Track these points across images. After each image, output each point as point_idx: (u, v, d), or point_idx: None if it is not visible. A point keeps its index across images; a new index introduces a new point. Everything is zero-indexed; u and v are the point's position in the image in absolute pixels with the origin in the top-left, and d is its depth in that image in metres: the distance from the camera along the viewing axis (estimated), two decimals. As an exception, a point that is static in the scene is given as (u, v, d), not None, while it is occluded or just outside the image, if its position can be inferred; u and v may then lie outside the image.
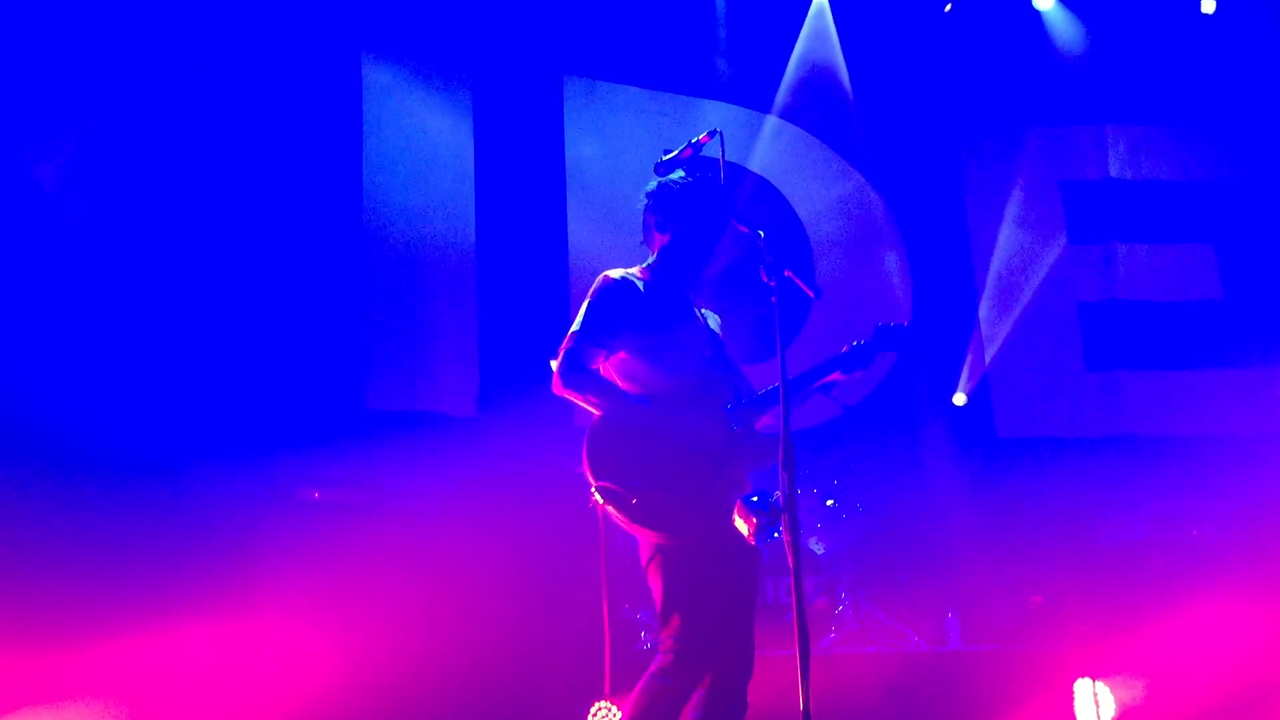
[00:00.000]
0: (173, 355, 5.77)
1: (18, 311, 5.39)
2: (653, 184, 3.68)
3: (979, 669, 6.04)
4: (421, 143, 7.06)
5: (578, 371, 3.46)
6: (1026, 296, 8.21)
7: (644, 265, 3.71)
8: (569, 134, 7.55)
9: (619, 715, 5.32)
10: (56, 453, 5.30)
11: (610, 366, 3.55)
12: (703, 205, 3.59)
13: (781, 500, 3.02)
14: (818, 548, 6.70)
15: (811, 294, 3.21)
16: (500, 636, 5.49)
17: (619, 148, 7.57)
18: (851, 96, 8.19)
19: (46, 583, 4.98)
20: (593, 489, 3.35)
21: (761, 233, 3.23)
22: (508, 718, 5.04)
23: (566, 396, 3.50)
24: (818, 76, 8.11)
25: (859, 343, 3.69)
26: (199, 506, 5.46)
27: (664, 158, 3.59)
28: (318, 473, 5.86)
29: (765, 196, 7.91)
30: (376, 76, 6.94)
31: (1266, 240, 8.07)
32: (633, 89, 7.77)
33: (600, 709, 5.33)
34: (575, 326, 3.52)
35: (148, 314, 5.75)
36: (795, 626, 2.88)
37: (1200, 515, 6.78)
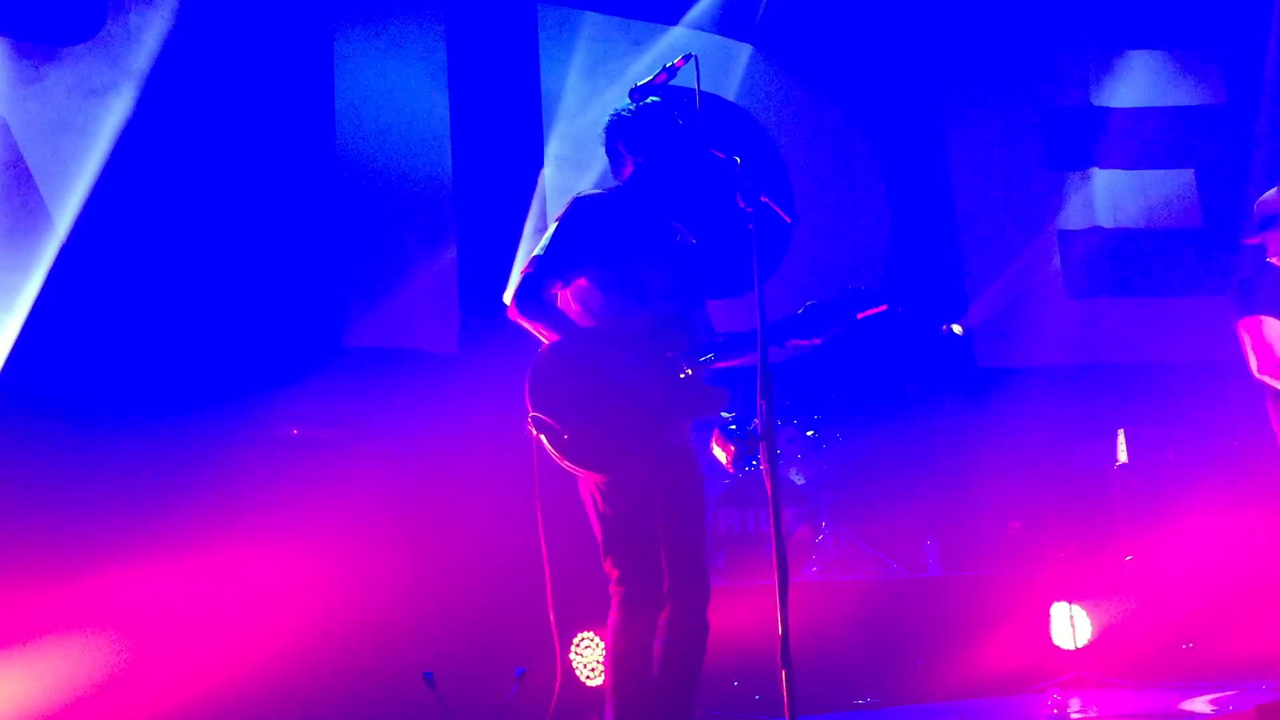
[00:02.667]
0: (149, 295, 5.71)
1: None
2: (613, 110, 3.64)
3: (957, 594, 6.12)
4: (395, 75, 6.93)
5: (533, 300, 3.44)
6: (1007, 224, 8.19)
7: (618, 184, 3.68)
8: (544, 63, 7.43)
9: (603, 644, 5.37)
10: (32, 394, 5.27)
11: (569, 293, 3.53)
12: (669, 126, 3.56)
13: (760, 429, 3.01)
14: (798, 478, 6.74)
15: (788, 219, 3.17)
16: (482, 570, 5.51)
17: (594, 76, 7.47)
18: (828, 23, 8.09)
19: (27, 522, 4.97)
20: (529, 418, 3.33)
21: (738, 158, 3.19)
22: (491, 650, 5.07)
23: (519, 321, 3.49)
24: (795, 4, 8.00)
25: (813, 303, 3.56)
26: (178, 444, 5.45)
27: (639, 83, 3.53)
28: (296, 410, 5.83)
29: (742, 125, 7.83)
30: (349, 7, 6.80)
31: (1247, 166, 8.05)
32: (607, 17, 7.64)
33: (584, 639, 5.37)
34: (539, 250, 3.49)
35: (123, 254, 5.67)
36: (774, 555, 2.88)
37: (1176, 440, 6.83)
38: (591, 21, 7.61)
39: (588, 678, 5.34)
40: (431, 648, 4.88)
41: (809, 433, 6.80)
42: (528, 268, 3.47)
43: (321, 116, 6.59)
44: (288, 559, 5.11)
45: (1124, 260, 8.14)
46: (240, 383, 5.75)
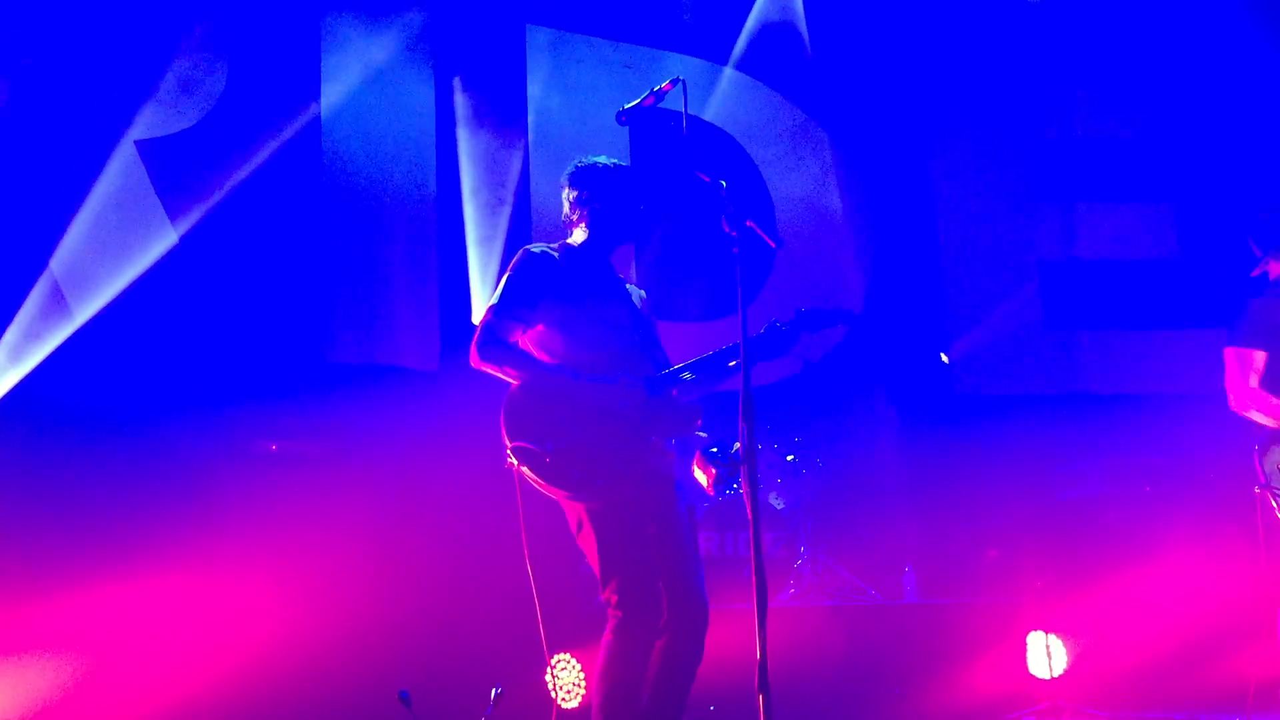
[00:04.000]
0: (129, 309, 5.68)
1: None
2: (572, 165, 3.80)
3: (934, 622, 6.12)
4: (381, 93, 6.94)
5: (495, 344, 3.51)
6: (987, 255, 8.25)
7: (564, 242, 3.79)
8: (531, 84, 7.46)
9: (579, 666, 5.35)
10: (12, 408, 5.23)
11: (529, 339, 3.61)
12: (621, 187, 3.72)
13: (741, 452, 3.01)
14: (777, 503, 6.74)
15: (773, 244, 3.20)
16: (461, 589, 5.49)
17: (581, 98, 7.50)
18: (812, 51, 8.15)
19: (4, 536, 4.93)
20: (508, 450, 3.38)
21: (724, 182, 3.21)
22: (469, 670, 5.04)
23: (484, 369, 3.54)
24: (779, 29, 8.06)
25: (778, 324, 3.66)
26: (159, 457, 5.42)
27: (626, 106, 3.55)
28: (277, 425, 5.81)
29: (727, 149, 7.87)
30: (335, 23, 6.81)
31: (1222, 200, 8.13)
32: (596, 39, 7.68)
33: (561, 661, 5.35)
34: (494, 300, 3.58)
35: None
36: (753, 580, 2.89)
37: (1154, 471, 6.86)
38: (579, 42, 7.64)
39: (563, 700, 5.31)
40: (408, 666, 4.85)
41: (789, 457, 6.82)
42: (486, 316, 3.56)
43: (307, 133, 6.59)
44: (266, 574, 5.09)
45: (1101, 291, 8.20)
46: (222, 397, 5.73)
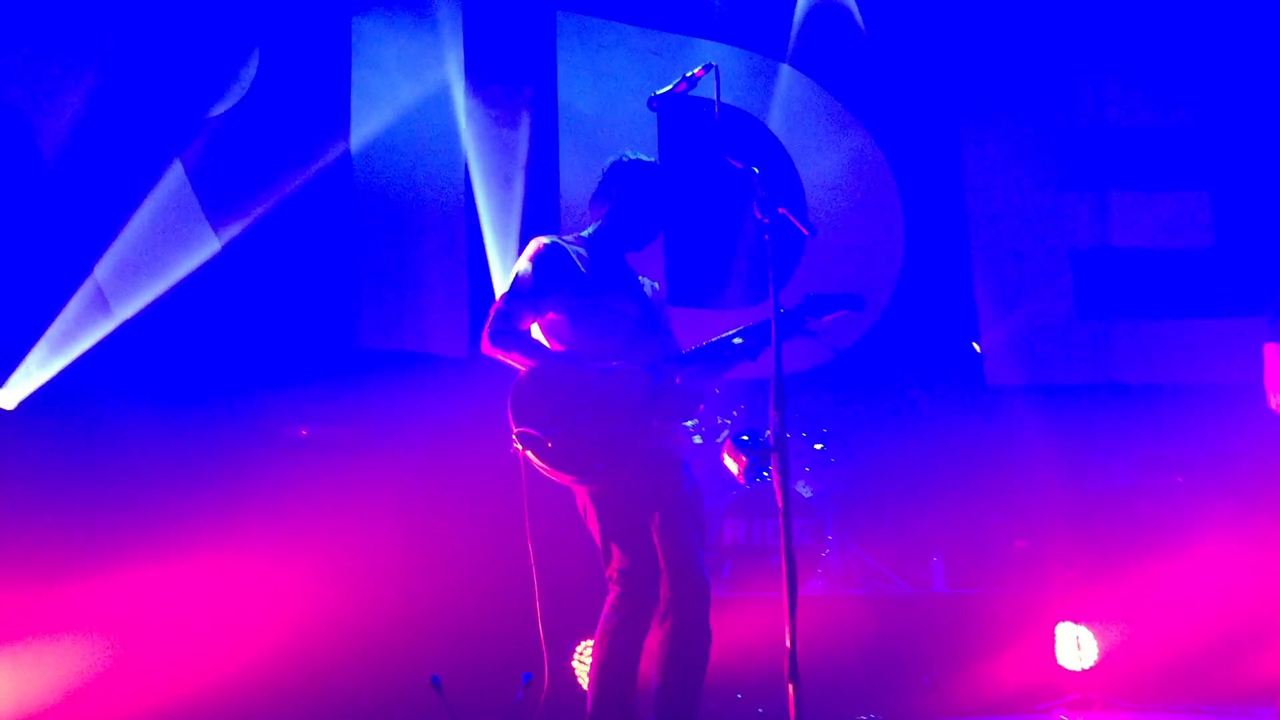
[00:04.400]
0: (168, 298, 5.73)
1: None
2: (611, 159, 3.84)
3: (963, 612, 6.08)
4: (411, 80, 6.95)
5: (504, 332, 3.57)
6: (1019, 243, 8.18)
7: (582, 233, 3.84)
8: (561, 71, 7.45)
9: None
10: (49, 398, 5.28)
11: (539, 327, 3.65)
12: (642, 184, 3.76)
13: (771, 440, 3.00)
14: (805, 491, 6.72)
15: (806, 231, 3.18)
16: (489, 574, 5.50)
17: (612, 85, 7.48)
18: (846, 38, 8.10)
19: (35, 519, 4.98)
20: (514, 435, 3.43)
21: (756, 169, 3.19)
22: (494, 656, 5.05)
23: (493, 355, 3.60)
24: (817, 19, 8.02)
25: (782, 309, 3.56)
26: (191, 443, 5.46)
27: (658, 92, 3.54)
28: (308, 411, 5.84)
29: (758, 135, 7.83)
30: (366, 11, 6.83)
31: (1259, 189, 8.04)
32: (626, 26, 7.66)
33: (588, 647, 5.35)
34: (505, 288, 3.63)
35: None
36: (783, 567, 2.88)
37: (1186, 463, 6.80)
38: (609, 29, 7.62)
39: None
40: (438, 652, 4.87)
41: (817, 446, 6.79)
42: (499, 303, 3.62)
43: (337, 124, 6.61)
44: (295, 559, 5.12)
45: (1134, 280, 8.12)
46: (253, 382, 5.76)
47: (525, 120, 7.24)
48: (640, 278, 3.88)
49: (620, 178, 3.79)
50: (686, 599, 3.51)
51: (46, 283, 5.31)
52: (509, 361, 3.58)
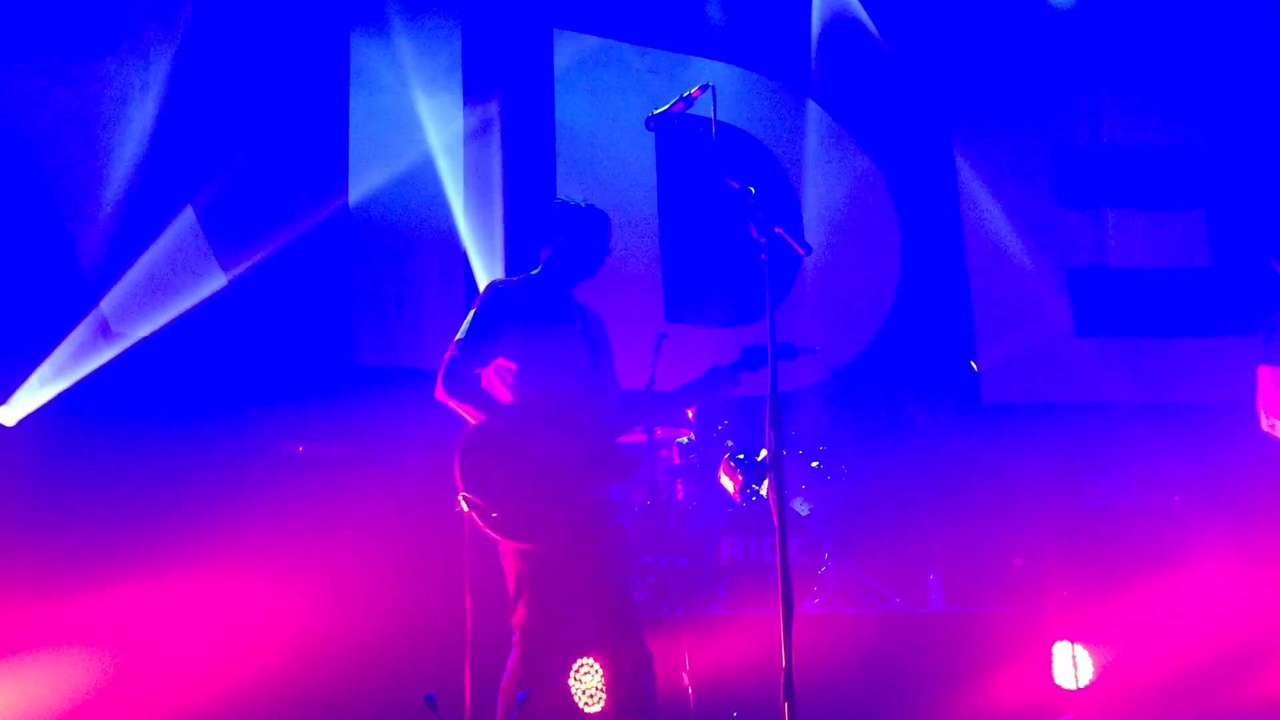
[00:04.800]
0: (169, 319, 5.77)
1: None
2: (552, 203, 4.09)
3: (960, 630, 6.08)
4: (409, 97, 6.98)
5: (458, 380, 3.72)
6: (1016, 261, 8.21)
7: (531, 273, 4.03)
8: (559, 89, 7.50)
9: (601, 671, 5.35)
10: (48, 415, 5.30)
11: (490, 370, 3.82)
12: (581, 226, 3.97)
13: (767, 459, 3.02)
14: (802, 509, 6.71)
15: (802, 251, 3.20)
16: (483, 593, 5.49)
17: (609, 104, 7.52)
18: (844, 58, 8.15)
19: (31, 533, 4.98)
20: (460, 496, 3.62)
21: (753, 189, 3.21)
22: (491, 673, 5.04)
23: (446, 403, 3.75)
24: (820, 39, 8.08)
25: (719, 366, 4.00)
26: (189, 460, 5.47)
27: (655, 111, 3.56)
28: (305, 427, 5.85)
29: (755, 155, 7.87)
30: (364, 29, 6.86)
31: (1256, 209, 8.07)
32: (623, 44, 7.70)
33: (583, 665, 5.35)
34: (460, 335, 3.79)
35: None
36: (779, 586, 2.88)
37: (1183, 481, 6.81)
38: (607, 48, 7.67)
39: (585, 704, 5.31)
40: (433, 669, 4.86)
41: (813, 464, 6.79)
42: (452, 350, 3.77)
43: (335, 141, 6.65)
44: (292, 574, 5.11)
45: (1132, 299, 8.15)
46: (250, 399, 5.77)
47: (523, 136, 7.28)
48: (586, 312, 4.08)
49: (561, 220, 4.00)
50: (623, 646, 3.72)
51: (55, 310, 5.41)
52: (460, 411, 3.74)
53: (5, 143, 5.46)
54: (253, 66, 6.22)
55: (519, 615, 3.76)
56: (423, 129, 6.99)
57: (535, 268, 4.05)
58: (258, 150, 6.15)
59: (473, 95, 7.16)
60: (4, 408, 5.22)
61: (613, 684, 3.77)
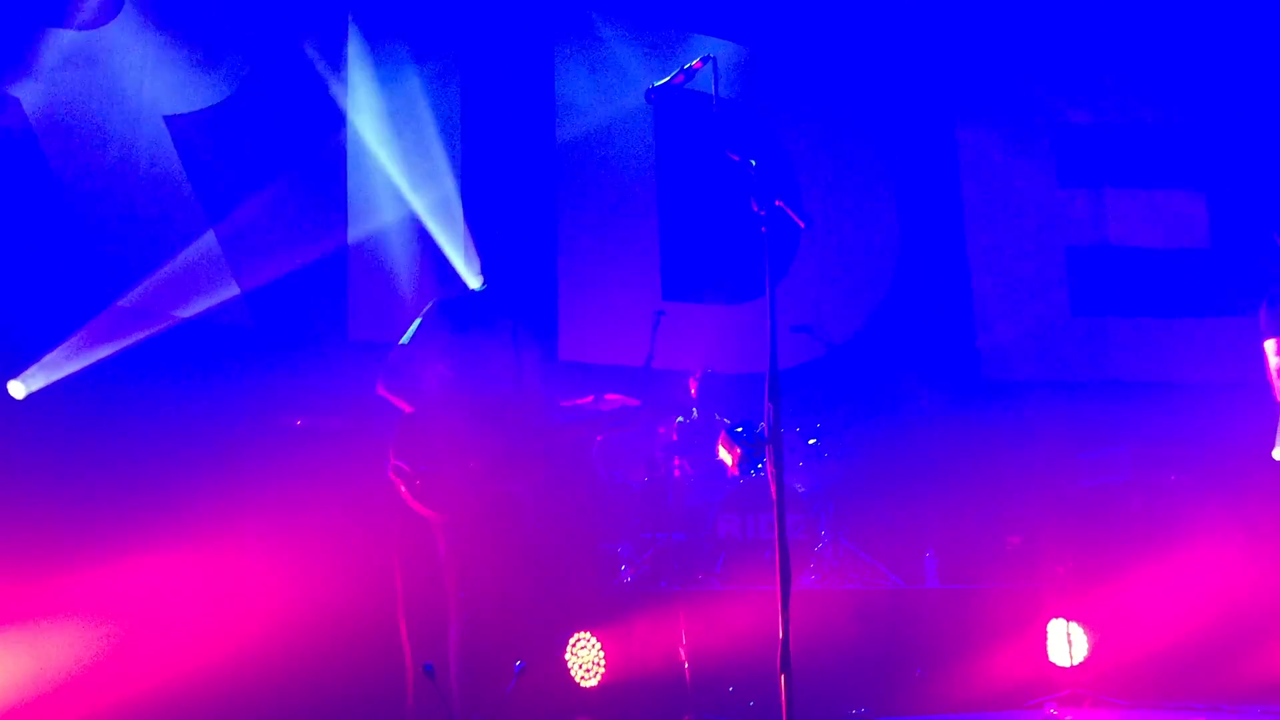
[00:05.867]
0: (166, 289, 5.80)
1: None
2: None
3: (955, 607, 6.10)
4: (407, 77, 6.98)
5: (397, 378, 4.16)
6: (1015, 239, 8.20)
7: (469, 289, 4.45)
8: (558, 66, 7.48)
9: (599, 645, 5.37)
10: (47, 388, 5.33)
11: (430, 374, 4.19)
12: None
13: (766, 433, 3.01)
14: (799, 486, 6.72)
15: (802, 223, 3.18)
16: (481, 567, 5.50)
17: (608, 79, 7.51)
18: (842, 33, 8.12)
19: (30, 509, 4.99)
20: (390, 466, 4.04)
21: (753, 161, 3.20)
22: (490, 647, 5.05)
23: (385, 396, 4.16)
24: (811, 14, 8.04)
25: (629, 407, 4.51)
26: (186, 433, 5.48)
27: (655, 84, 3.54)
28: (304, 401, 5.85)
29: (756, 130, 7.84)
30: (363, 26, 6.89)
31: (1255, 190, 8.06)
32: (623, 22, 7.68)
33: (579, 639, 5.37)
34: (404, 339, 4.23)
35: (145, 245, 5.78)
36: (777, 559, 2.88)
37: (1179, 460, 6.81)
38: (607, 25, 7.64)
39: (582, 678, 5.34)
40: (431, 640, 4.88)
41: (810, 441, 6.79)
42: (394, 353, 4.22)
43: (331, 115, 6.64)
44: (289, 548, 5.12)
45: (1130, 279, 8.15)
46: (247, 372, 5.78)
47: (521, 115, 7.27)
48: (520, 327, 4.39)
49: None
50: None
51: (78, 303, 5.59)
52: (397, 404, 4.15)
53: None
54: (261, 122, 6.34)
55: (451, 594, 4.10)
56: (419, 106, 6.98)
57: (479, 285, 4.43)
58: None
59: (470, 73, 7.16)
60: (15, 382, 5.28)
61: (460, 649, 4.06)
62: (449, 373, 4.20)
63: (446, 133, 7.00)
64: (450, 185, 6.91)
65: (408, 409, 4.14)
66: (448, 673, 4.05)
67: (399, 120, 6.84)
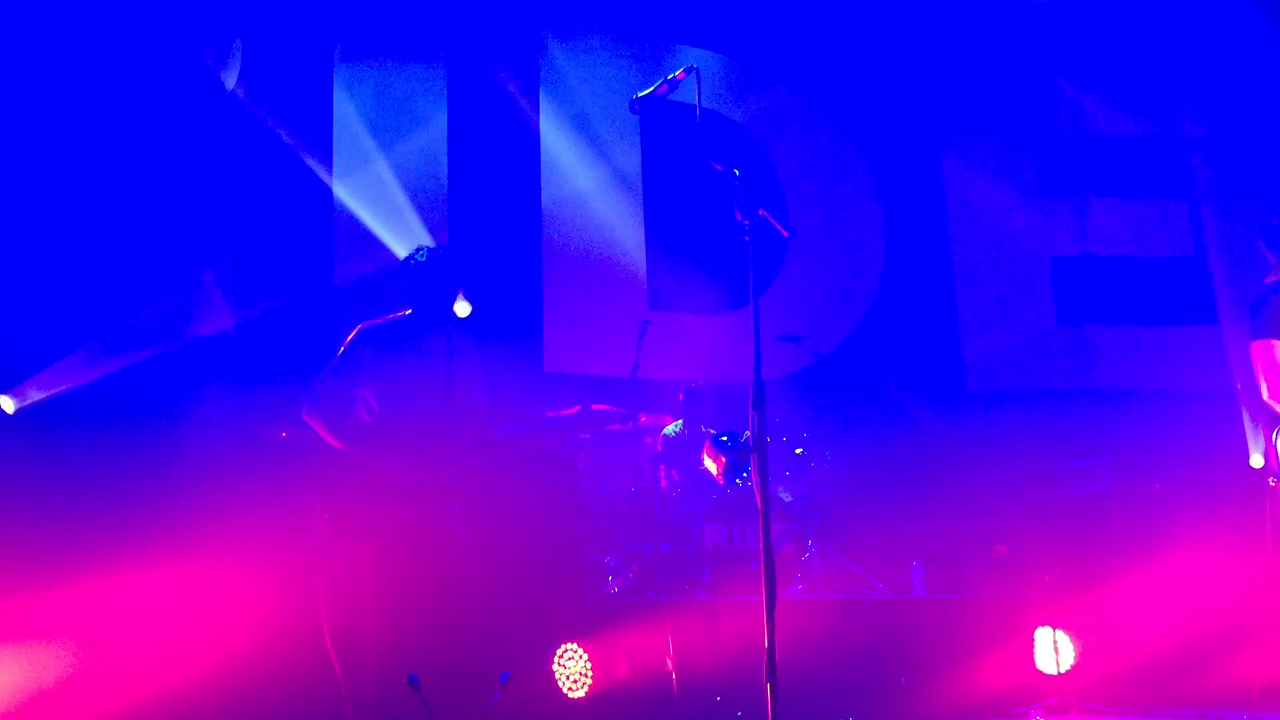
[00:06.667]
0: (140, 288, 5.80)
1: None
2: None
3: (942, 616, 6.10)
4: (395, 72, 7.02)
5: (321, 404, 4.23)
6: (1000, 249, 8.24)
7: (403, 313, 4.45)
8: (544, 76, 7.50)
9: (586, 656, 5.36)
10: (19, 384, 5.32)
11: (354, 397, 4.25)
12: (435, 272, 4.41)
13: (751, 441, 3.02)
14: (785, 496, 6.73)
15: (785, 233, 3.19)
16: (470, 579, 5.49)
17: (593, 90, 7.54)
18: (827, 45, 8.15)
19: (20, 523, 4.98)
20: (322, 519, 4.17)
21: (737, 171, 3.21)
22: (475, 659, 5.04)
23: (310, 423, 4.24)
24: (791, 25, 8.08)
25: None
26: (171, 445, 5.47)
27: (639, 94, 3.55)
28: (288, 412, 5.84)
29: (739, 140, 7.87)
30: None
31: (1239, 198, 8.11)
32: (607, 33, 7.72)
33: (566, 650, 5.35)
34: (328, 366, 4.29)
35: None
36: (762, 567, 2.89)
37: (1163, 468, 6.84)
38: (593, 36, 7.68)
39: (569, 689, 5.32)
40: (416, 651, 4.86)
41: (797, 450, 6.80)
42: (319, 379, 4.28)
43: (320, 124, 6.66)
44: (272, 558, 5.10)
45: (1114, 287, 8.19)
46: (233, 384, 5.78)
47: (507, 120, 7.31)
48: (455, 346, 4.47)
49: (412, 276, 4.44)
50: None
51: (74, 328, 5.66)
52: (320, 431, 4.22)
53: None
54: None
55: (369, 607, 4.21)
56: (407, 110, 7.02)
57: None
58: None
59: (457, 83, 7.18)
60: (5, 396, 5.32)
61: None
62: (373, 400, 4.27)
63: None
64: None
65: (331, 439, 4.22)
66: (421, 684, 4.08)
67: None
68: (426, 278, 4.43)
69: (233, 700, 4.76)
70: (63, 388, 5.44)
